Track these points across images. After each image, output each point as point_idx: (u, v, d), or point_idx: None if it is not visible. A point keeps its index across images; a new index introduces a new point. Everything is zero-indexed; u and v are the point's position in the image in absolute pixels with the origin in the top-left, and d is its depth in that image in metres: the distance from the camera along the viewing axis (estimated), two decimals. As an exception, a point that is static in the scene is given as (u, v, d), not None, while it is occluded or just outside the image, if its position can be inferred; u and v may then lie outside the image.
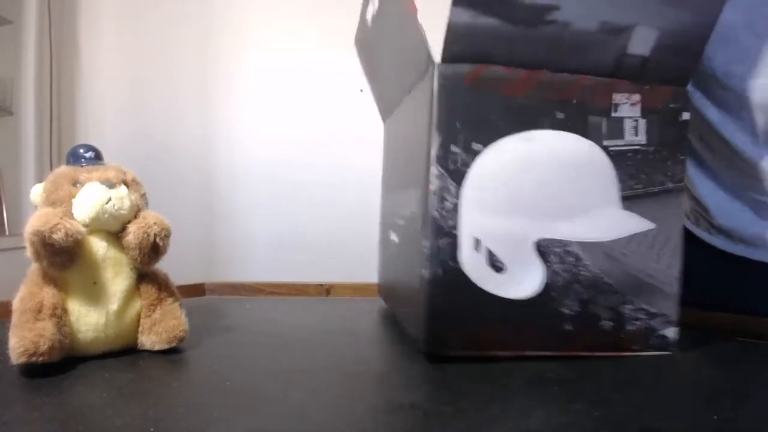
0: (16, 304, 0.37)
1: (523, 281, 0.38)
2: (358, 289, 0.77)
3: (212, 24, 1.31)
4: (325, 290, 0.79)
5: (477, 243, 0.37)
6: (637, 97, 0.39)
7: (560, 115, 0.38)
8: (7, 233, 1.20)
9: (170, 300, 0.43)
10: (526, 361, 0.38)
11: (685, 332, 0.40)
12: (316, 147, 1.27)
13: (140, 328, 0.41)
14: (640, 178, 0.39)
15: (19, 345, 0.35)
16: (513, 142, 0.37)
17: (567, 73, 0.38)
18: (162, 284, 0.43)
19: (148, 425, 0.27)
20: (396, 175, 0.50)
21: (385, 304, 0.58)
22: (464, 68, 0.37)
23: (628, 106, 0.39)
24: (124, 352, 0.41)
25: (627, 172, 0.39)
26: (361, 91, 1.17)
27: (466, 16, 0.35)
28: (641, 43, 0.37)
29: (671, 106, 0.39)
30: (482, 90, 0.37)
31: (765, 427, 0.28)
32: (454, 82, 0.37)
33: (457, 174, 0.37)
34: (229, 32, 1.31)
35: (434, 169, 0.37)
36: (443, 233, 0.37)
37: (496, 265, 0.38)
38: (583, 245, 0.38)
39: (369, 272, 0.82)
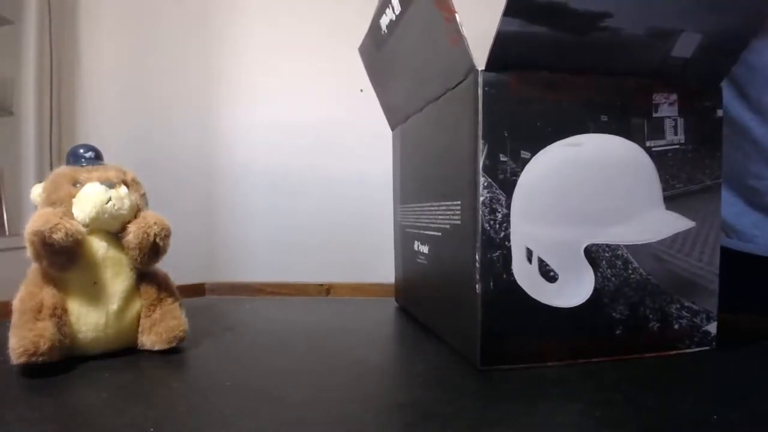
0: (16, 304, 0.37)
1: (575, 289, 0.38)
2: (358, 289, 0.77)
3: (213, 24, 1.31)
4: (325, 290, 0.79)
5: (529, 253, 0.37)
6: (674, 96, 0.39)
7: (604, 118, 0.38)
8: (7, 233, 1.20)
9: (170, 300, 0.43)
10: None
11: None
12: (316, 146, 1.27)
13: (140, 328, 0.41)
14: (681, 177, 0.39)
15: (19, 345, 0.35)
16: (561, 148, 0.37)
17: (611, 75, 0.38)
18: (162, 284, 0.43)
19: (148, 425, 0.27)
20: (423, 184, 0.49)
21: (407, 310, 0.58)
22: (509, 75, 0.36)
23: (667, 106, 0.39)
24: (124, 352, 0.41)
25: (668, 172, 0.39)
26: (361, 91, 1.18)
27: (515, 25, 0.34)
28: (685, 46, 0.37)
29: (706, 104, 0.40)
30: (527, 96, 0.37)
31: (765, 428, 0.28)
32: (499, 89, 0.36)
33: (506, 183, 0.36)
34: (230, 32, 1.31)
35: (482, 180, 0.36)
36: (495, 245, 0.36)
37: (549, 275, 0.37)
38: (631, 248, 0.38)
39: (369, 272, 0.82)
